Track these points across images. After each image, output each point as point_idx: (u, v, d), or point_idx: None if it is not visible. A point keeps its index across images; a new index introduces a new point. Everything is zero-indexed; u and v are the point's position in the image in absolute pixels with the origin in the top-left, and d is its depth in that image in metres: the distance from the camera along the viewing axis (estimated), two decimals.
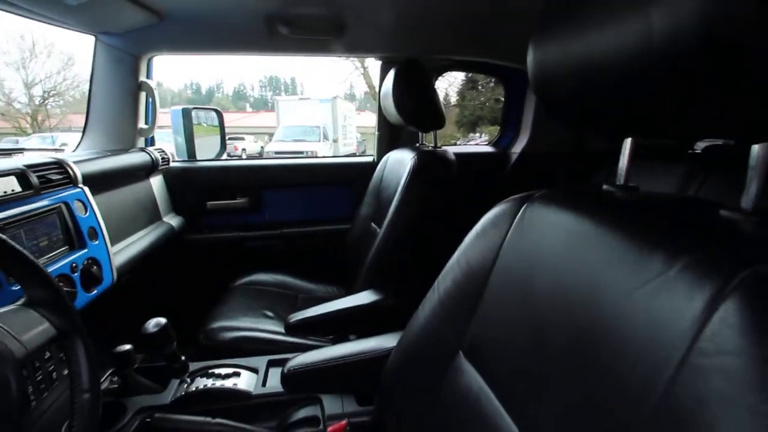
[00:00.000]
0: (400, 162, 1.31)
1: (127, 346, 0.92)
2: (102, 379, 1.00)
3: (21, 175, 0.82)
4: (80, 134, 1.49)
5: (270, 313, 1.35)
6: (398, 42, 1.55)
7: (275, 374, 1.01)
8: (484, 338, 0.54)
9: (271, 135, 12.82)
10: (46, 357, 0.78)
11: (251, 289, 1.51)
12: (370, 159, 1.87)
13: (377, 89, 1.71)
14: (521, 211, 0.54)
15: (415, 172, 1.15)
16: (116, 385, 0.94)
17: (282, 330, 1.25)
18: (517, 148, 1.89)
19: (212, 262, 1.75)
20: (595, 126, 0.49)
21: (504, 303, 0.51)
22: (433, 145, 1.30)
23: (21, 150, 1.38)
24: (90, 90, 1.45)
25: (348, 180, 1.83)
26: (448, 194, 1.21)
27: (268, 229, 1.77)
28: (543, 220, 0.49)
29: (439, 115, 1.25)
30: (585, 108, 0.44)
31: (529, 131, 1.84)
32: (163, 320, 0.86)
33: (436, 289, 0.67)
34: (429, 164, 1.18)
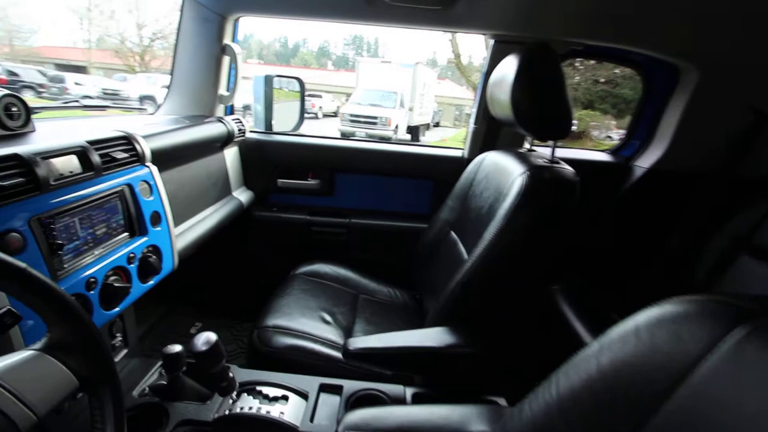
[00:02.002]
0: (502, 171, 1.07)
1: (178, 348, 0.84)
2: (152, 371, 0.95)
3: (82, 153, 0.73)
4: None
5: (328, 317, 1.24)
6: (520, 19, 1.25)
7: (325, 404, 0.90)
8: None
9: (348, 95, 12.74)
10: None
11: (311, 281, 1.40)
12: (458, 154, 1.62)
13: (485, 68, 1.43)
14: (738, 339, 0.34)
15: (526, 196, 0.90)
16: (164, 383, 0.88)
17: (339, 341, 1.13)
18: (645, 162, 1.52)
19: (276, 243, 1.67)
20: None
21: None
22: (549, 157, 1.02)
23: (106, 107, 1.35)
24: (175, 50, 1.37)
25: (432, 174, 1.62)
26: (562, 226, 0.95)
27: (337, 216, 1.64)
28: None
29: (566, 120, 0.97)
30: None
31: (667, 143, 1.46)
32: (213, 337, 0.76)
33: (554, 386, 0.48)
34: (545, 187, 0.92)
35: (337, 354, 1.06)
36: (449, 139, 13.58)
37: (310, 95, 16.12)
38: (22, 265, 0.42)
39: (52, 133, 0.79)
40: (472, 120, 1.53)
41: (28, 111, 0.76)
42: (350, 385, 0.95)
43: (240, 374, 0.93)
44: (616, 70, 10.35)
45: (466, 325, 0.96)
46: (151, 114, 1.47)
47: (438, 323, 1.00)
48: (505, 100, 0.98)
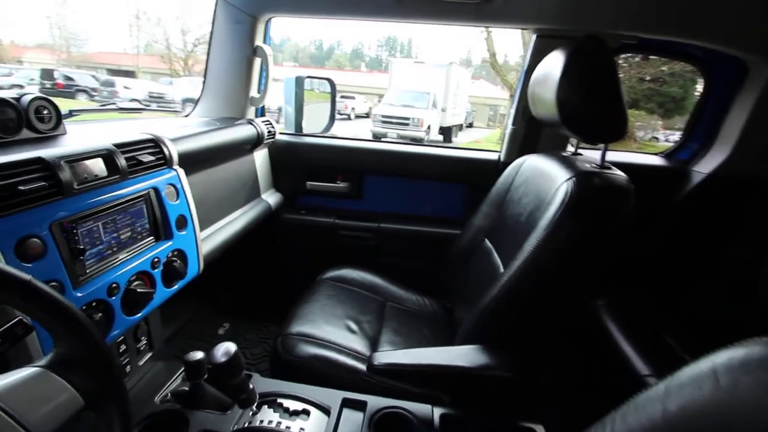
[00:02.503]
0: (544, 176, 0.98)
1: (200, 355, 0.82)
2: (175, 376, 0.94)
3: (108, 156, 0.72)
4: None
5: (354, 326, 1.19)
6: (565, 12, 1.16)
7: (348, 421, 0.85)
8: None
9: (381, 96, 12.75)
10: None
11: (338, 287, 1.36)
12: (494, 157, 1.53)
13: (525, 65, 1.34)
14: None
15: (572, 205, 0.81)
16: (186, 389, 0.86)
17: (364, 352, 1.08)
18: (705, 166, 1.37)
19: (303, 247, 1.65)
20: None
21: None
22: (598, 162, 0.92)
23: (140, 109, 1.37)
24: (208, 53, 1.37)
25: (466, 179, 1.54)
26: (612, 239, 0.85)
27: (365, 219, 1.59)
28: None
29: (620, 121, 0.87)
30: None
31: (731, 146, 1.31)
32: (233, 348, 0.73)
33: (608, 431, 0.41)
34: (594, 195, 0.83)
35: (362, 366, 1.01)
36: (483, 140, 13.30)
37: (343, 97, 16.29)
38: (27, 277, 0.40)
39: (83, 136, 0.79)
40: (509, 121, 1.44)
41: (59, 114, 0.76)
42: (374, 402, 0.90)
43: (261, 384, 0.90)
44: (664, 68, 9.73)
45: (502, 344, 0.88)
46: (185, 116, 1.48)
47: (470, 340, 0.92)
48: (549, 98, 0.89)
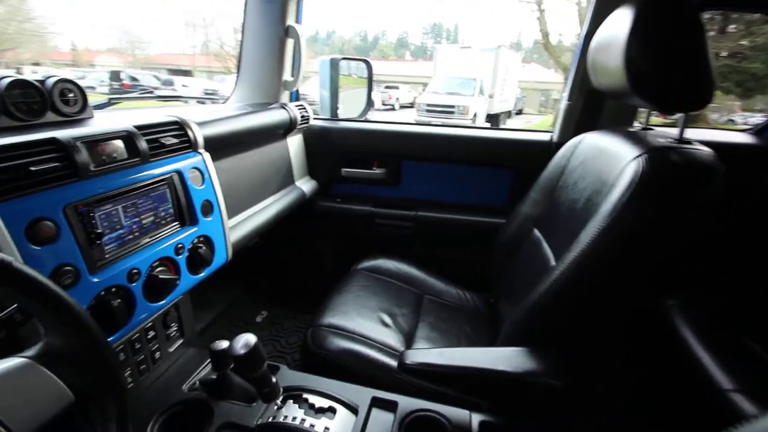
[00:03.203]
0: (607, 156, 0.84)
1: (225, 344, 0.79)
2: (204, 364, 0.92)
3: (128, 138, 0.70)
4: None
5: (388, 319, 1.12)
6: None
7: (377, 422, 0.79)
8: None
9: (426, 85, 12.48)
10: None
11: (372, 278, 1.30)
12: (545, 137, 1.38)
13: (585, 30, 1.17)
14: None
15: (643, 186, 0.67)
16: (213, 377, 0.84)
17: (398, 347, 1.02)
18: None
19: (338, 235, 1.61)
20: None
21: None
22: (677, 136, 0.77)
23: (179, 97, 1.38)
24: (242, 38, 1.35)
25: (512, 162, 1.40)
26: (693, 227, 0.70)
27: (403, 207, 1.51)
28: None
29: (705, 84, 0.71)
30: None
31: None
32: (252, 339, 0.69)
33: None
34: (672, 173, 0.68)
35: (394, 363, 0.94)
36: (533, 127, 12.61)
37: (387, 87, 16.18)
38: (8, 258, 0.36)
39: (109, 120, 0.77)
40: (564, 96, 1.28)
41: (85, 97, 0.75)
42: (406, 403, 0.83)
43: (288, 377, 0.86)
44: (744, 41, 8.56)
45: (552, 348, 0.77)
46: (222, 104, 1.48)
47: (515, 340, 0.82)
48: (614, 64, 0.75)
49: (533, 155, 1.37)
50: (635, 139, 0.79)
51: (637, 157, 0.71)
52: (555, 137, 1.32)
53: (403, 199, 1.53)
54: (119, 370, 0.43)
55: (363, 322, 1.08)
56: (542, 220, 1.07)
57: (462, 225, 1.47)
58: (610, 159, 0.81)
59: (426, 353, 0.84)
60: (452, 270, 1.39)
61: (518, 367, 0.74)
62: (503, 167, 1.43)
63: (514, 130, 1.44)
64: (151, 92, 1.36)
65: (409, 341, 1.07)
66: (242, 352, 0.68)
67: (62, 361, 0.39)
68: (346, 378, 0.87)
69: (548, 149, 1.32)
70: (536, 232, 1.07)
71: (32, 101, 0.66)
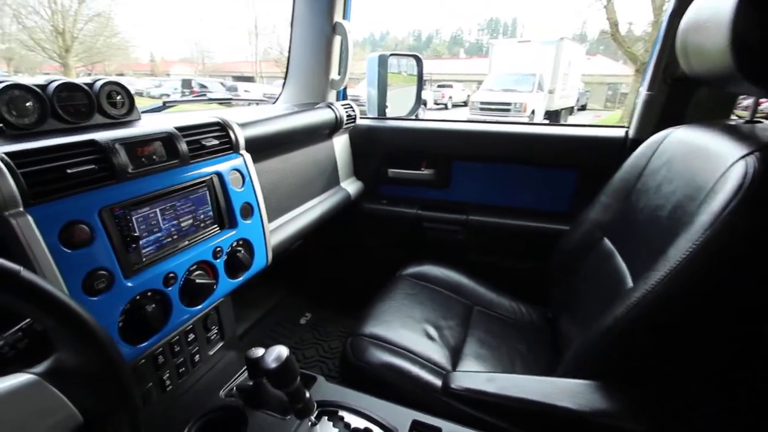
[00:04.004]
0: (703, 154, 0.69)
1: (260, 352, 0.75)
2: (242, 370, 0.90)
3: (167, 140, 0.69)
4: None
5: (433, 332, 1.04)
6: None
7: None
8: None
9: (480, 83, 12.10)
10: None
11: (418, 285, 1.22)
12: (618, 134, 1.22)
13: (671, 8, 1.01)
14: None
15: (755, 193, 0.54)
16: (250, 384, 0.81)
17: (443, 364, 0.93)
18: None
19: (384, 239, 1.55)
20: None
21: None
22: None
23: (231, 99, 1.40)
24: (291, 38, 1.33)
25: (578, 162, 1.25)
26: None
27: (452, 211, 1.41)
28: None
29: None
30: None
31: None
32: (284, 353, 0.64)
33: None
34: None
35: (439, 381, 0.86)
36: (600, 123, 11.73)
37: (440, 86, 15.93)
38: (15, 267, 0.34)
39: (155, 122, 0.77)
40: (644, 86, 1.11)
41: (132, 99, 0.76)
42: (450, 430, 0.74)
43: (324, 390, 0.81)
44: None
45: (630, 383, 0.64)
46: (272, 104, 1.48)
47: (583, 370, 0.70)
48: (715, 43, 0.61)
49: (603, 154, 1.21)
50: (739, 134, 0.64)
51: (746, 156, 0.57)
52: (631, 133, 1.16)
53: (452, 202, 1.43)
54: (135, 392, 0.40)
55: (406, 333, 1.01)
56: (614, 229, 0.93)
57: (517, 230, 1.34)
58: (706, 159, 0.67)
59: (474, 378, 0.75)
60: (506, 280, 1.27)
61: (586, 404, 0.63)
62: (566, 167, 1.29)
63: (581, 126, 1.29)
64: (204, 95, 1.39)
65: (455, 358, 0.98)
66: (273, 366, 0.64)
67: (73, 380, 0.37)
68: (385, 394, 0.81)
69: (622, 147, 1.16)
70: (607, 242, 0.93)
71: (80, 104, 0.67)
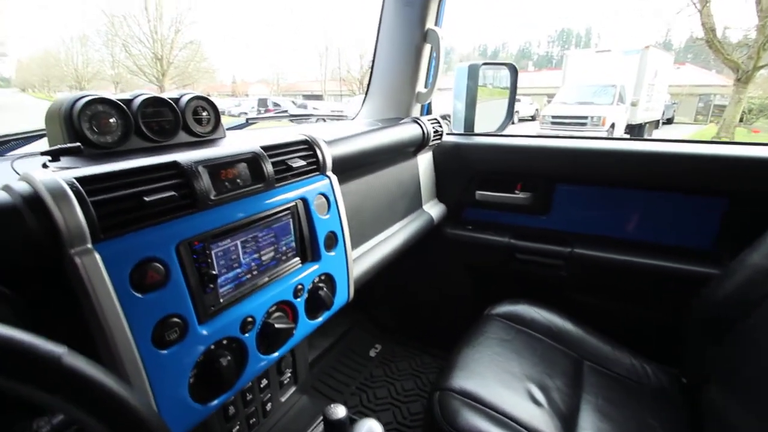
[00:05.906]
0: None
1: (341, 413, 0.63)
2: (317, 422, 0.78)
3: (253, 161, 0.60)
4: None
5: (539, 394, 0.85)
6: None
7: None
8: None
9: (549, 96, 11.45)
10: None
11: (513, 329, 1.03)
12: None
13: None
14: None
15: None
16: None
17: None
18: None
19: (468, 269, 1.37)
20: None
21: None
22: None
23: (309, 115, 1.34)
24: (375, 49, 1.24)
25: (725, 186, 0.99)
26: None
27: (553, 242, 1.21)
28: None
29: None
30: None
31: None
32: (342, 412, 0.51)
33: None
34: None
35: None
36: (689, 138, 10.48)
37: None
38: (57, 351, 0.23)
39: (240, 140, 0.70)
40: None
41: (218, 116, 0.69)
42: None
43: None
44: None
45: None
46: (351, 120, 1.40)
47: None
48: None
49: (765, 177, 0.95)
50: None
51: None
52: None
53: (553, 231, 1.22)
54: None
55: (506, 393, 0.83)
56: None
57: (638, 269, 1.10)
58: None
59: None
60: (623, 329, 1.04)
61: None
62: (707, 194, 1.03)
63: (731, 143, 1.02)
64: (285, 112, 1.34)
65: (568, 430, 0.78)
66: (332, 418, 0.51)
67: None
68: None
69: None
70: None
71: (165, 120, 0.61)
